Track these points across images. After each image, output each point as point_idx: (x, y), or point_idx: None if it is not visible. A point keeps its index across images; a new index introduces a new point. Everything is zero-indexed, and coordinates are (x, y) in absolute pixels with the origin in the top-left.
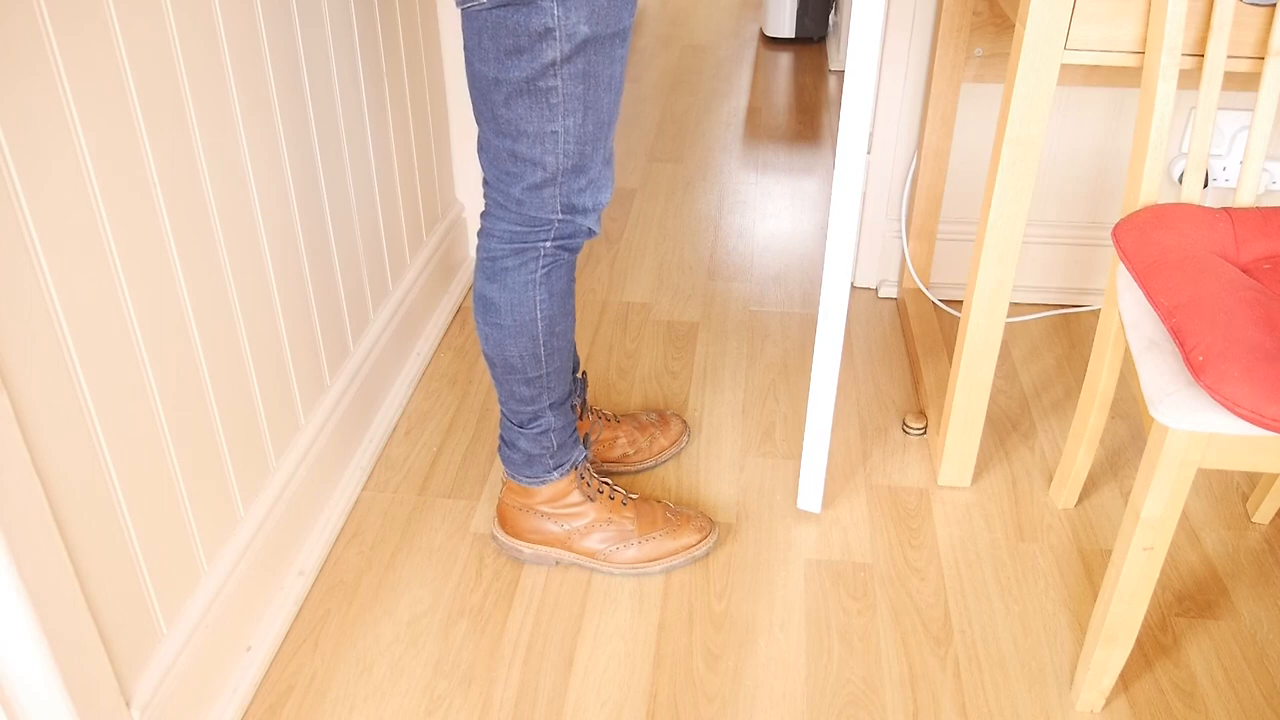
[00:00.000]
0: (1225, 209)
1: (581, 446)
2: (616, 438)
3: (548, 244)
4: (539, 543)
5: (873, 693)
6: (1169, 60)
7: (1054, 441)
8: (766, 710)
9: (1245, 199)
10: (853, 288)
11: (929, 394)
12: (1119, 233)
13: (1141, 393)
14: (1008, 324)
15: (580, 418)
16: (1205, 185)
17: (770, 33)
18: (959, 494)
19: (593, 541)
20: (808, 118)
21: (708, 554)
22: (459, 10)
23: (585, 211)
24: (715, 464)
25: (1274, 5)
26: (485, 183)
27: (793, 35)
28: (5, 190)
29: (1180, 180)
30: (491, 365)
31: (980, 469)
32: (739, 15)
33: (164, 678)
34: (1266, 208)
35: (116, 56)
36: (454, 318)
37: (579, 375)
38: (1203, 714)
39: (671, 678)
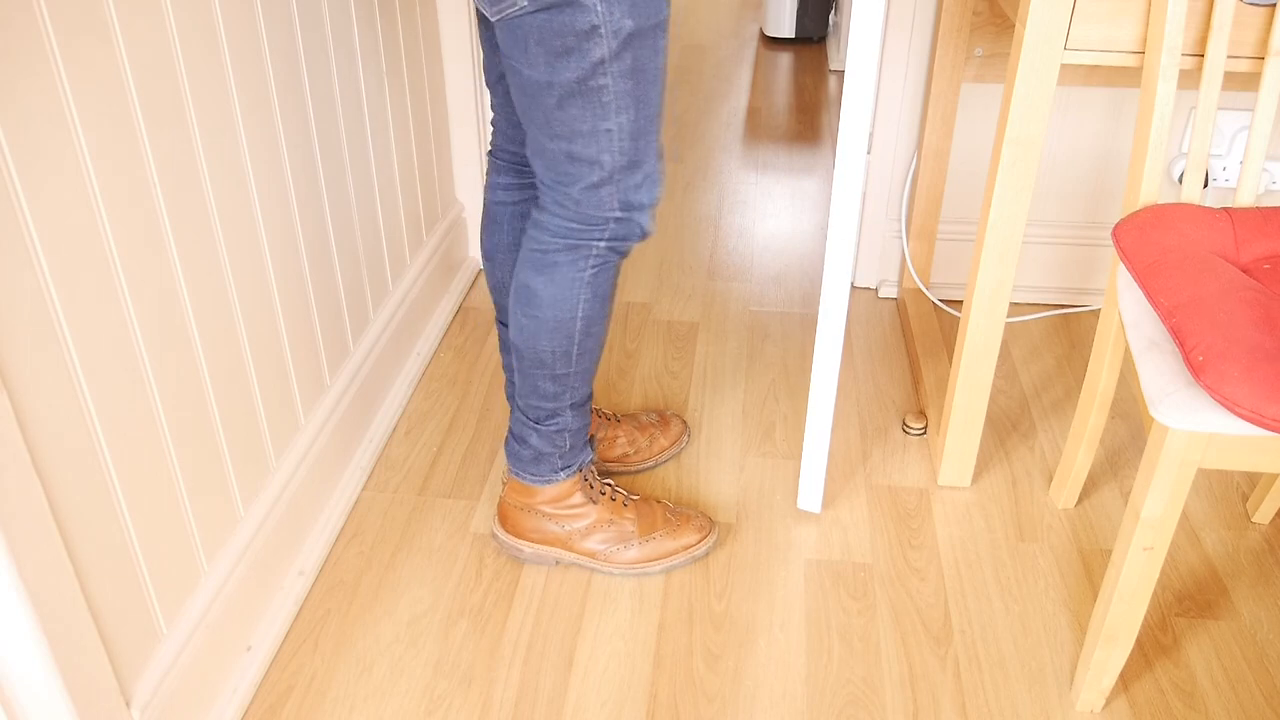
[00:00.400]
0: (1225, 209)
1: (589, 449)
2: (616, 438)
3: (601, 244)
4: (539, 542)
5: (873, 693)
6: (1169, 60)
7: (1054, 441)
8: (766, 710)
9: (1245, 199)
10: (853, 288)
11: (929, 394)
12: (1119, 233)
13: (1141, 393)
14: (1008, 324)
15: None
16: (1205, 185)
17: (770, 33)
18: (959, 494)
19: (593, 542)
20: (808, 118)
21: (708, 553)
22: (495, 21)
23: (642, 208)
24: (715, 464)
25: (1274, 5)
26: (540, 180)
27: (793, 35)
28: (5, 190)
29: (1180, 180)
30: (519, 357)
31: (980, 469)
32: (739, 15)
33: (164, 678)
34: (1266, 208)
35: (116, 57)
36: (454, 318)
37: None
38: (1203, 714)
39: (671, 678)
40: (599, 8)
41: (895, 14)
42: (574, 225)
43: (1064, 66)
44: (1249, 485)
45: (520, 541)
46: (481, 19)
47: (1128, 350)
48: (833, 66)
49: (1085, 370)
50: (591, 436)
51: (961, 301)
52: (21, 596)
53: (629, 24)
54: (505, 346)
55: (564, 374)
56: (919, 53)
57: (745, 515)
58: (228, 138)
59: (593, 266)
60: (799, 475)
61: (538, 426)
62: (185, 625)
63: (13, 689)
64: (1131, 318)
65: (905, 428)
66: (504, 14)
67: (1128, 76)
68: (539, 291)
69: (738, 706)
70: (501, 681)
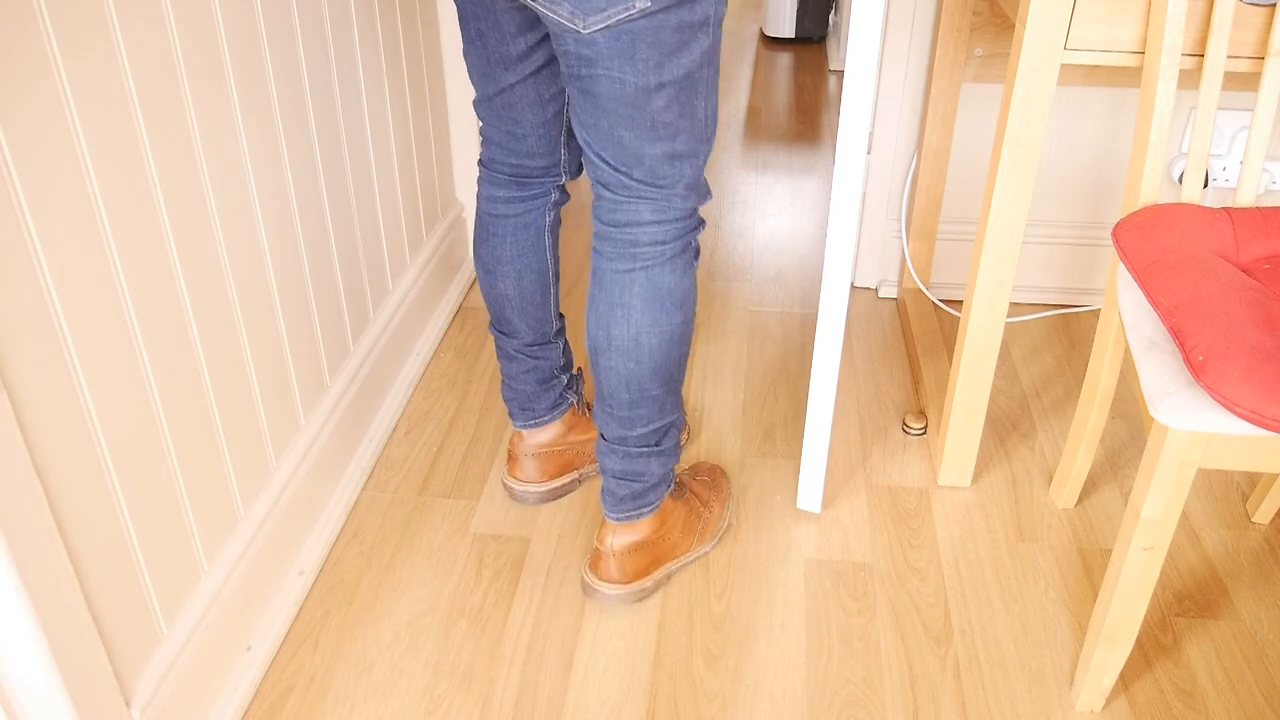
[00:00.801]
0: (1225, 209)
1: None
2: None
3: (697, 232)
4: (655, 569)
5: (873, 693)
6: (1169, 60)
7: (1054, 441)
8: (766, 710)
9: (1245, 199)
10: (853, 288)
11: (929, 394)
12: (1119, 233)
13: (1141, 393)
14: (1008, 324)
15: (572, 408)
16: (1205, 185)
17: (770, 33)
18: (959, 494)
19: (688, 537)
20: (808, 118)
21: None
22: (591, 31)
23: (707, 194)
24: (716, 463)
25: (1274, 5)
26: (633, 192)
27: (793, 35)
28: (5, 190)
29: (1180, 180)
30: (630, 386)
31: (980, 469)
32: (739, 15)
33: (164, 678)
34: (1266, 208)
35: (117, 57)
36: (454, 318)
37: (575, 373)
38: (1203, 714)
39: (671, 678)
40: None
41: (895, 14)
42: (680, 224)
43: (1064, 66)
44: (1249, 485)
45: (644, 582)
46: (482, 35)
47: (1128, 350)
48: (833, 66)
49: (1085, 370)
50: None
51: (961, 301)
52: (21, 596)
53: (722, 9)
54: (506, 354)
55: (680, 377)
56: (919, 53)
57: (745, 515)
58: (228, 138)
59: (695, 258)
60: (799, 475)
61: (658, 449)
62: (185, 625)
63: (13, 689)
64: (1131, 318)
65: (905, 428)
66: (613, 20)
67: (1128, 76)
68: (669, 304)
69: (738, 706)
70: (501, 681)
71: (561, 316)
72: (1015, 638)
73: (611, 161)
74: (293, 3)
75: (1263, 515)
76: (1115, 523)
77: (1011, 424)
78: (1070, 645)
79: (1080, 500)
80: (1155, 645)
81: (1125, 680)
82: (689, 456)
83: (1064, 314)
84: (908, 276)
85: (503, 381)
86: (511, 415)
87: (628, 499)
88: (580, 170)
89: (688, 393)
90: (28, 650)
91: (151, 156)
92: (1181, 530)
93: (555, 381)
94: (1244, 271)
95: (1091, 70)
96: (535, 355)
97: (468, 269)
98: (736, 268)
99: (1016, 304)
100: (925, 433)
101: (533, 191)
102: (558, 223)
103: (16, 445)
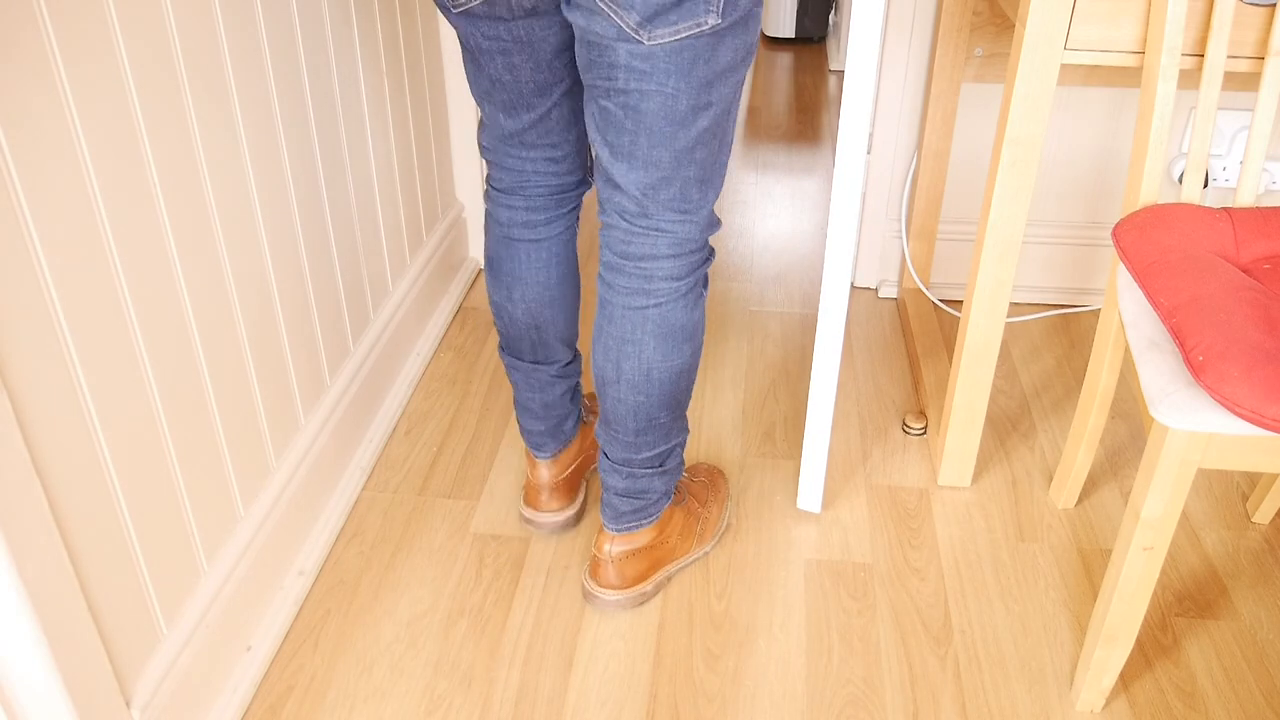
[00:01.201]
0: (1225, 209)
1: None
2: None
3: (706, 268)
4: (654, 573)
5: (873, 693)
6: (1169, 60)
7: (1054, 441)
8: (766, 710)
9: (1245, 199)
10: (853, 288)
11: (929, 394)
12: (1119, 233)
13: (1141, 393)
14: (1008, 324)
15: (583, 420)
16: (1205, 185)
17: (770, 33)
18: (959, 494)
19: (687, 539)
20: (808, 118)
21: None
22: (656, 44)
23: (718, 223)
24: (715, 464)
25: (1274, 5)
26: (653, 222)
27: (793, 35)
28: (5, 190)
29: (1180, 180)
30: (638, 414)
31: (980, 469)
32: None
33: (164, 678)
34: (1266, 208)
35: (117, 56)
36: (454, 318)
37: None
38: (1203, 714)
39: (671, 677)
40: (759, 16)
41: (895, 14)
42: (694, 257)
43: (1064, 66)
44: (1249, 485)
45: (643, 586)
46: (514, 69)
47: (1128, 350)
48: (833, 66)
49: (1085, 370)
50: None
51: (961, 301)
52: (21, 596)
53: (759, 29)
54: (539, 384)
55: (687, 402)
56: (919, 53)
57: (745, 515)
58: (228, 138)
59: (705, 288)
60: (799, 475)
61: (662, 469)
62: (185, 625)
63: (13, 689)
64: (1131, 318)
65: (905, 428)
66: (681, 35)
67: (1128, 76)
68: (680, 339)
69: (738, 706)
70: (501, 681)
71: None
72: (1015, 638)
73: (640, 184)
74: (293, 3)
75: (1263, 515)
76: (1115, 523)
77: (1011, 424)
78: (1070, 645)
79: (1080, 500)
80: (1155, 645)
81: (1125, 680)
82: (689, 456)
83: (1064, 314)
84: (908, 276)
85: (528, 414)
86: (538, 448)
87: (629, 514)
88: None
89: None
90: (28, 650)
91: (151, 156)
92: (1181, 530)
93: (579, 388)
94: (1244, 271)
95: (1091, 70)
96: (569, 373)
97: (467, 269)
98: (736, 268)
99: (1016, 304)
100: (925, 433)
101: (569, 206)
102: None
103: (16, 445)
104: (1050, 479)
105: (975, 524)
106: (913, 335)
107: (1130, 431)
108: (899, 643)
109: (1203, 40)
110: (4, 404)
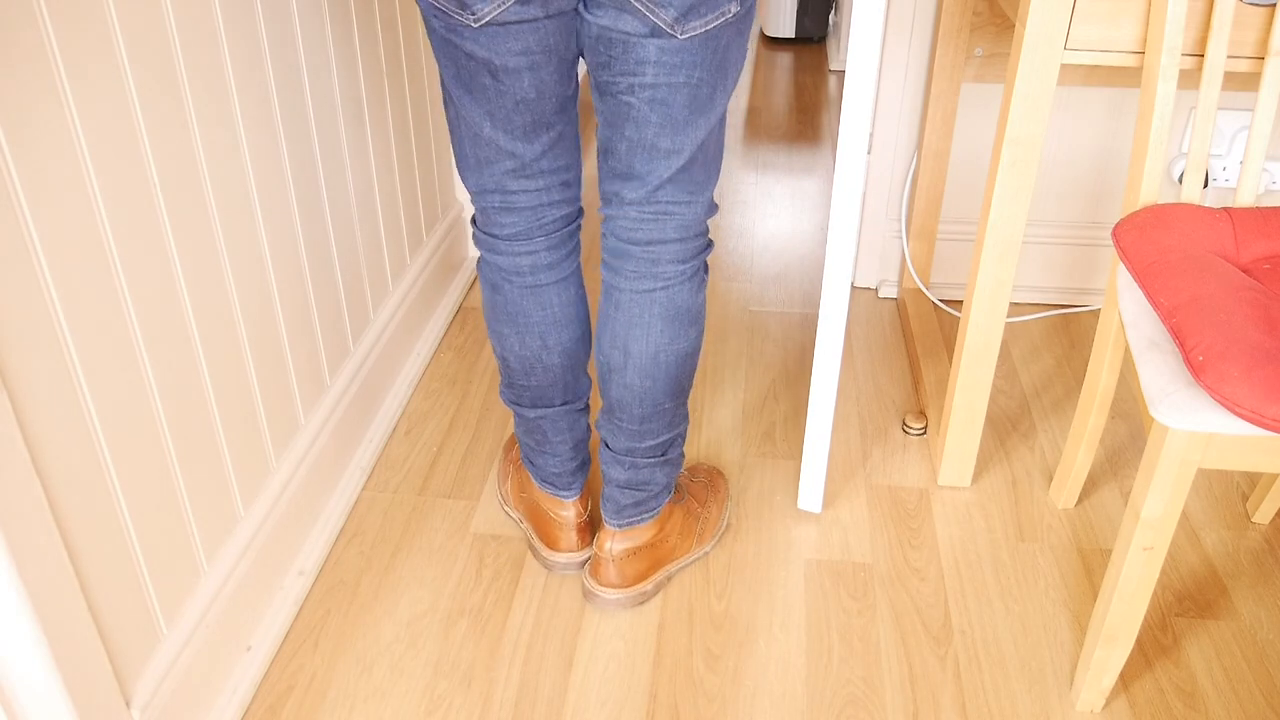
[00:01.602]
0: (1225, 209)
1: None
2: None
3: (707, 255)
4: (655, 571)
5: (873, 693)
6: (1169, 60)
7: (1054, 441)
8: (766, 710)
9: (1245, 199)
10: (853, 288)
11: (929, 394)
12: (1119, 233)
13: (1141, 393)
14: (1008, 324)
15: None
16: (1205, 185)
17: (770, 33)
18: (959, 494)
19: (687, 538)
20: (808, 118)
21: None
22: (685, 38)
23: (716, 207)
24: (715, 464)
25: (1274, 5)
26: (663, 209)
27: (793, 35)
28: (5, 190)
29: (1180, 180)
30: (645, 400)
31: (980, 469)
32: None
33: (164, 678)
34: (1266, 208)
35: (117, 56)
36: (454, 317)
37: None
38: (1203, 714)
39: (671, 677)
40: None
41: (895, 14)
42: (698, 242)
43: (1064, 66)
44: (1249, 485)
45: (644, 585)
46: (540, 85)
47: (1128, 350)
48: (833, 66)
49: (1085, 370)
50: None
51: (961, 301)
52: (21, 596)
53: None
54: (566, 425)
55: (689, 389)
56: (919, 53)
57: (745, 515)
58: (228, 138)
59: (706, 275)
60: (799, 475)
61: (664, 459)
62: (185, 625)
63: (13, 689)
64: (1131, 318)
65: (905, 428)
66: (711, 26)
67: (1128, 76)
68: (685, 322)
69: (738, 706)
70: (501, 681)
71: None
72: (1015, 638)
73: (659, 174)
74: (293, 3)
75: (1263, 515)
76: (1115, 523)
77: (1011, 424)
78: (1070, 645)
79: (1080, 500)
80: (1155, 645)
81: (1125, 680)
82: (689, 457)
83: (1064, 314)
84: (908, 276)
85: (556, 459)
86: (566, 488)
87: (630, 507)
88: None
89: None
90: (28, 650)
91: (151, 156)
92: (1181, 530)
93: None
94: (1244, 271)
95: (1091, 70)
96: (588, 395)
97: (468, 269)
98: (736, 268)
99: (1016, 304)
100: (925, 433)
101: (578, 233)
102: None
103: (16, 445)
104: (1050, 479)
105: (975, 524)
106: (913, 335)
107: (1130, 431)
108: (899, 643)
109: (1203, 40)
110: (4, 404)
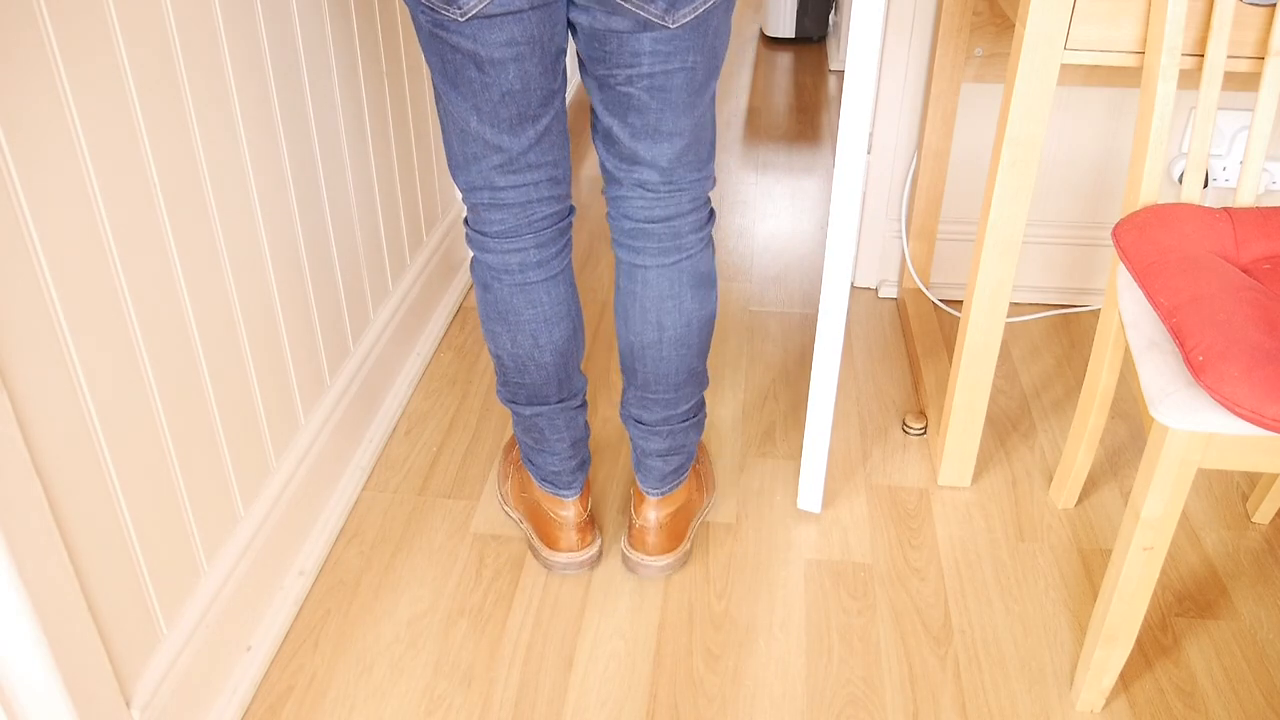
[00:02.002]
0: (1225, 209)
1: None
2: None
3: (714, 219)
4: (688, 531)
5: (873, 693)
6: (1169, 60)
7: (1054, 441)
8: (766, 710)
9: (1245, 199)
10: (853, 288)
11: (929, 394)
12: (1119, 233)
13: (1141, 393)
14: (1008, 324)
15: None
16: (1205, 185)
17: (770, 33)
18: (959, 494)
19: (702, 494)
20: (808, 118)
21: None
22: (677, 26)
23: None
24: (715, 464)
25: (1274, 5)
26: (675, 185)
27: (793, 35)
28: (5, 190)
29: (1180, 180)
30: (679, 365)
31: (980, 469)
32: (739, 15)
33: (164, 678)
34: (1266, 208)
35: (117, 56)
36: (454, 317)
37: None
38: (1203, 714)
39: (671, 677)
40: None
41: (895, 14)
42: (707, 208)
43: (1064, 66)
44: (1249, 485)
45: (685, 544)
46: (525, 77)
47: (1128, 350)
48: (833, 66)
49: (1085, 370)
50: None
51: (961, 301)
52: (21, 596)
53: None
54: (565, 422)
55: (709, 347)
56: (919, 53)
57: (745, 515)
58: (228, 138)
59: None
60: (799, 475)
61: (696, 419)
62: (185, 625)
63: (13, 689)
64: (1131, 318)
65: (905, 428)
66: (699, 11)
67: (1128, 76)
68: (707, 285)
69: (738, 706)
70: (501, 681)
71: None
72: (1015, 638)
73: (668, 155)
74: (293, 3)
75: (1263, 515)
76: (1115, 523)
77: (1011, 424)
78: (1070, 645)
79: (1080, 500)
80: (1155, 645)
81: (1125, 680)
82: None
83: (1064, 314)
84: (908, 276)
85: (555, 457)
86: (566, 486)
87: (670, 474)
88: None
89: None
90: (28, 650)
91: (151, 156)
92: (1181, 530)
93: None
94: (1244, 271)
95: (1091, 70)
96: (585, 392)
97: (467, 269)
98: (736, 268)
99: (1016, 304)
100: (925, 433)
101: (569, 232)
102: None
103: (16, 445)
104: (1050, 479)
105: (975, 524)
106: (913, 335)
107: (1130, 431)
108: (899, 643)
109: (1203, 40)
110: (4, 404)
